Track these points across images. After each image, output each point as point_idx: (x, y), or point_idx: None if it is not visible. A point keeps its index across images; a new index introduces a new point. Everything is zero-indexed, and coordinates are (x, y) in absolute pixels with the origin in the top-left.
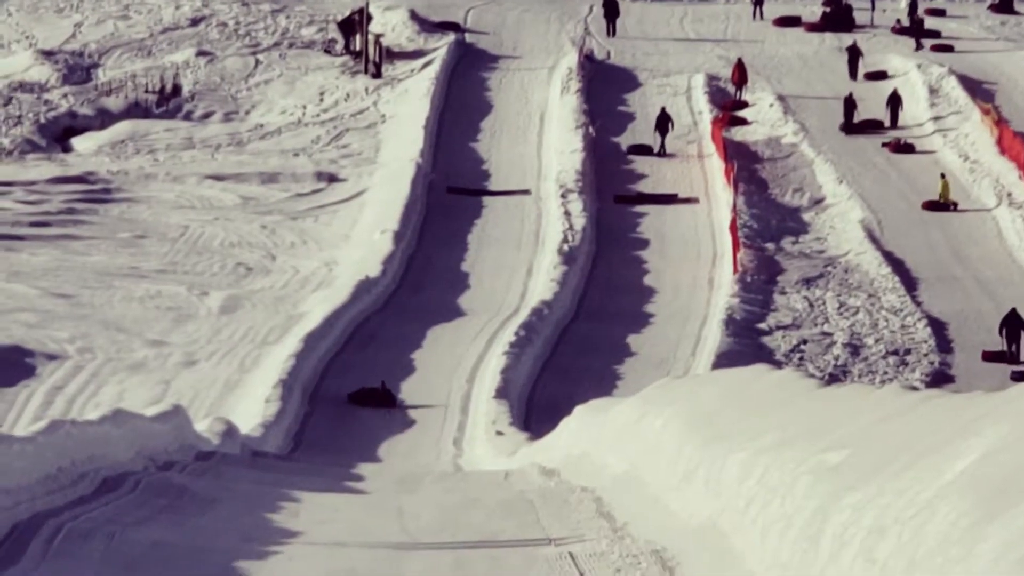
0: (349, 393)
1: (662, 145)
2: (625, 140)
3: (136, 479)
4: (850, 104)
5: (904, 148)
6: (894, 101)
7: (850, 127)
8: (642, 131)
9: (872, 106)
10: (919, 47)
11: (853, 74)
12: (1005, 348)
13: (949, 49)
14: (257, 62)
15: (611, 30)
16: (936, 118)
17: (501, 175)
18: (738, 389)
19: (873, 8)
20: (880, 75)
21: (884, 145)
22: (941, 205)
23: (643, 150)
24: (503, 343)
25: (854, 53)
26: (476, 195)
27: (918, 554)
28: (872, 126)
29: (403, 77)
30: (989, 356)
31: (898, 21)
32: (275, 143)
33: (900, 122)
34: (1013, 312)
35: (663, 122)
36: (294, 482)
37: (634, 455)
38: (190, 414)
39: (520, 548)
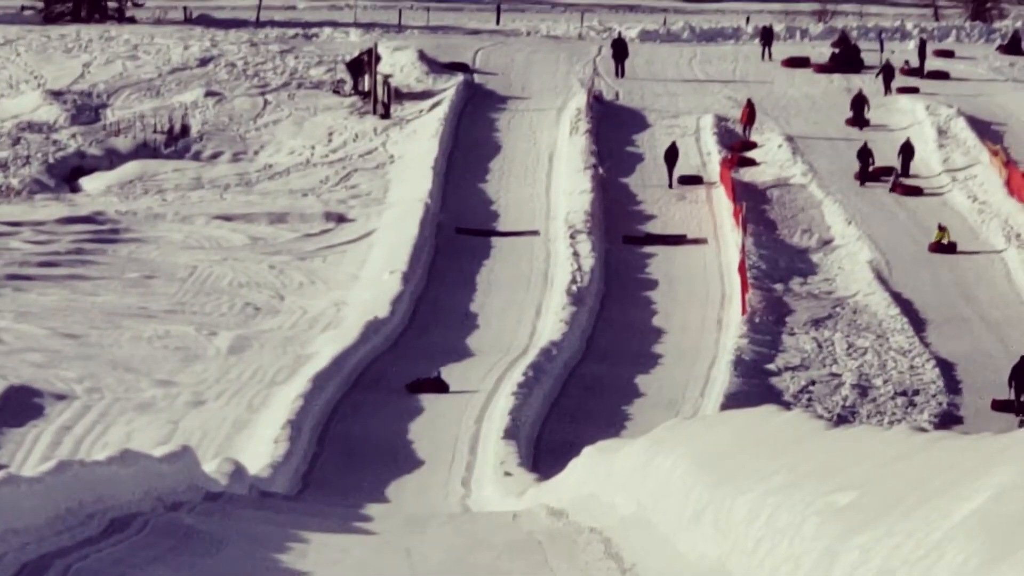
0: (407, 384)
1: (671, 179)
2: (634, 181)
3: (144, 520)
4: (865, 154)
5: (911, 190)
6: (906, 150)
7: (865, 177)
8: (650, 171)
9: (883, 146)
10: (887, 92)
11: (859, 122)
12: (1015, 398)
13: (945, 76)
14: (266, 102)
15: (619, 71)
16: (944, 160)
17: (510, 216)
18: (747, 430)
19: (882, 49)
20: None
21: (892, 190)
22: (944, 247)
23: (692, 180)
24: (512, 384)
25: (860, 101)
26: (485, 236)
27: None
28: (885, 173)
29: (412, 117)
30: (998, 405)
31: (907, 62)
32: (284, 183)
33: (912, 171)
34: (1022, 361)
35: (672, 156)
36: (303, 523)
37: (643, 496)
38: (198, 454)
39: None
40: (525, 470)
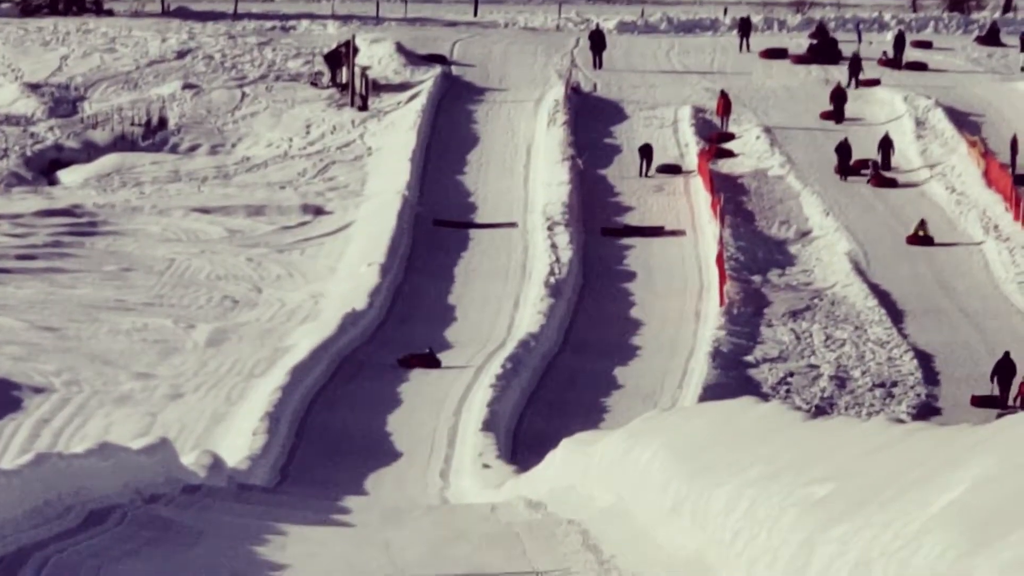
0: (399, 358)
1: (645, 169)
2: (612, 172)
3: (122, 512)
4: (844, 149)
5: (887, 182)
6: (885, 145)
7: (846, 171)
8: (628, 163)
9: (862, 139)
10: (853, 84)
11: (837, 116)
12: (998, 393)
13: (923, 67)
14: (243, 95)
15: (597, 62)
16: (923, 151)
17: (488, 207)
18: (725, 422)
19: (860, 40)
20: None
21: (869, 182)
22: (921, 239)
23: (671, 169)
24: (490, 376)
25: (839, 95)
26: (463, 228)
27: None
28: (864, 166)
29: (389, 110)
30: (978, 402)
31: (884, 53)
32: (261, 176)
33: (892, 164)
34: (1006, 357)
35: (646, 152)
36: (281, 515)
37: (621, 488)
38: (176, 447)
39: None
40: (503, 462)
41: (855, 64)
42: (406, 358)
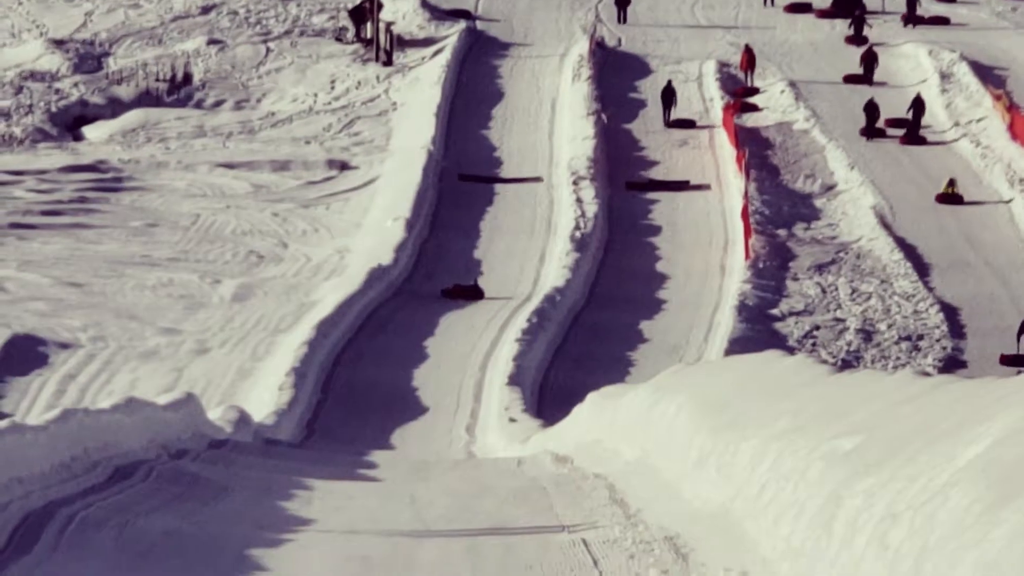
0: (443, 289)
1: (668, 117)
2: (636, 127)
3: (149, 467)
4: (872, 109)
5: (918, 140)
6: (917, 105)
7: (872, 132)
8: (653, 117)
9: (889, 97)
10: (856, 42)
11: (869, 79)
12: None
13: (946, 21)
14: (268, 50)
15: (622, 17)
16: (947, 104)
17: (513, 162)
18: (751, 375)
19: None
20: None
21: (900, 140)
22: (951, 197)
23: (684, 124)
24: (516, 330)
25: (870, 57)
26: (488, 182)
27: (931, 540)
28: (896, 125)
29: (414, 65)
30: (1007, 360)
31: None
32: (286, 131)
33: (923, 125)
34: None
35: (668, 95)
36: (307, 470)
37: (647, 442)
38: (203, 402)
39: (533, 535)
40: (529, 416)
41: (859, 20)
42: (451, 289)
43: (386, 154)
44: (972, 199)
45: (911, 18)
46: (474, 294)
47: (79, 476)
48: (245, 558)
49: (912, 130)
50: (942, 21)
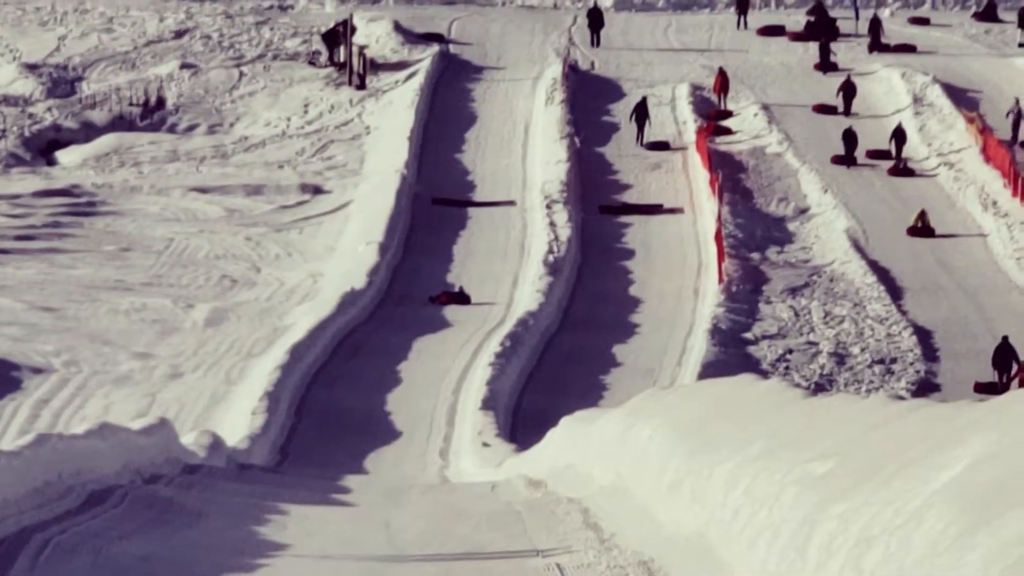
0: (431, 296)
1: (641, 136)
2: (610, 150)
3: (123, 493)
4: (850, 137)
5: (904, 172)
6: (899, 135)
7: (851, 161)
8: (626, 141)
9: (868, 126)
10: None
11: (847, 111)
12: (998, 380)
13: (912, 49)
14: (241, 74)
15: (595, 40)
16: (920, 127)
17: (486, 186)
18: (724, 399)
19: (857, 18)
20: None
21: (888, 171)
22: (922, 230)
23: (659, 146)
24: (489, 354)
25: (849, 89)
26: (461, 206)
27: (906, 564)
28: (875, 156)
29: (387, 88)
30: (981, 388)
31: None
32: (259, 155)
33: (904, 155)
34: (1004, 342)
35: (642, 113)
36: (281, 495)
37: (621, 466)
38: (176, 427)
39: (507, 560)
40: (503, 440)
41: (825, 47)
42: (437, 296)
43: (359, 178)
44: (945, 222)
45: (875, 45)
46: (460, 300)
47: (53, 501)
48: None
49: (899, 162)
50: (908, 49)
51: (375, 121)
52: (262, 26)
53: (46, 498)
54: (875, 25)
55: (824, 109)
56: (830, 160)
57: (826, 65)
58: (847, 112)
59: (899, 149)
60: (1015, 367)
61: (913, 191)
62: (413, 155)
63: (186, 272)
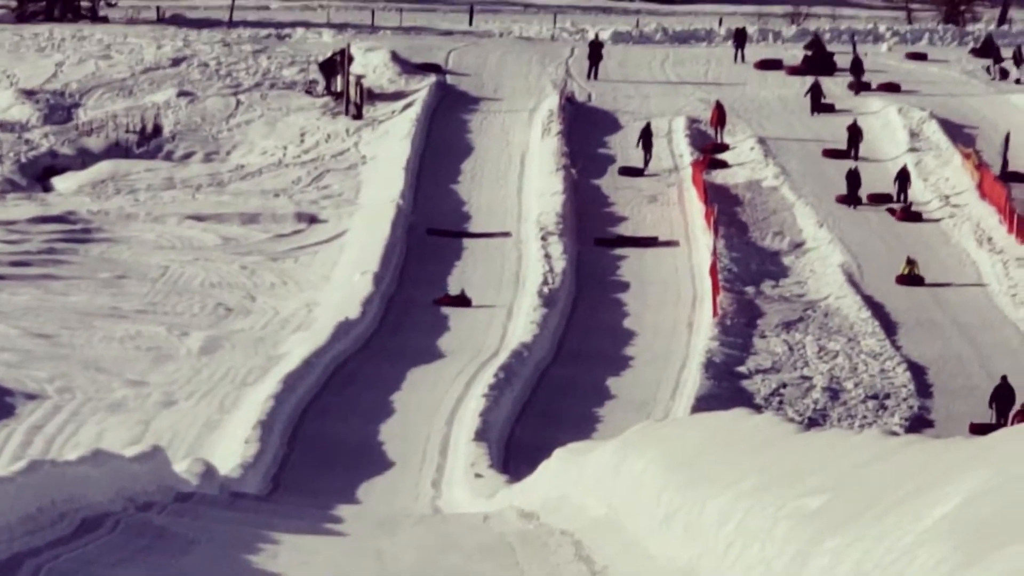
0: (435, 299)
1: (647, 163)
2: (606, 183)
3: (115, 520)
4: (853, 178)
5: (913, 216)
6: (902, 177)
7: (854, 202)
8: (624, 171)
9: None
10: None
11: (855, 155)
12: (994, 420)
13: (896, 88)
14: (238, 103)
15: (593, 73)
16: (917, 163)
17: (481, 217)
18: (718, 433)
19: (855, 52)
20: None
21: (890, 212)
22: (911, 278)
23: (632, 172)
24: (482, 385)
25: (856, 132)
26: (456, 237)
27: None
28: (878, 200)
29: (384, 118)
30: (977, 429)
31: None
32: (256, 184)
33: (909, 199)
34: (1004, 382)
35: (648, 138)
36: (273, 523)
37: (613, 499)
38: (169, 455)
39: None
40: (496, 472)
41: (815, 89)
42: (440, 299)
43: (355, 208)
44: (939, 259)
45: (858, 85)
46: (462, 302)
47: (45, 528)
48: None
49: (907, 205)
50: (893, 88)
51: (371, 151)
52: (259, 55)
53: (38, 524)
54: (857, 65)
55: (832, 153)
56: (835, 199)
57: (817, 107)
58: (855, 156)
59: (903, 191)
60: (1015, 408)
61: (910, 226)
62: (409, 185)
63: (181, 300)
